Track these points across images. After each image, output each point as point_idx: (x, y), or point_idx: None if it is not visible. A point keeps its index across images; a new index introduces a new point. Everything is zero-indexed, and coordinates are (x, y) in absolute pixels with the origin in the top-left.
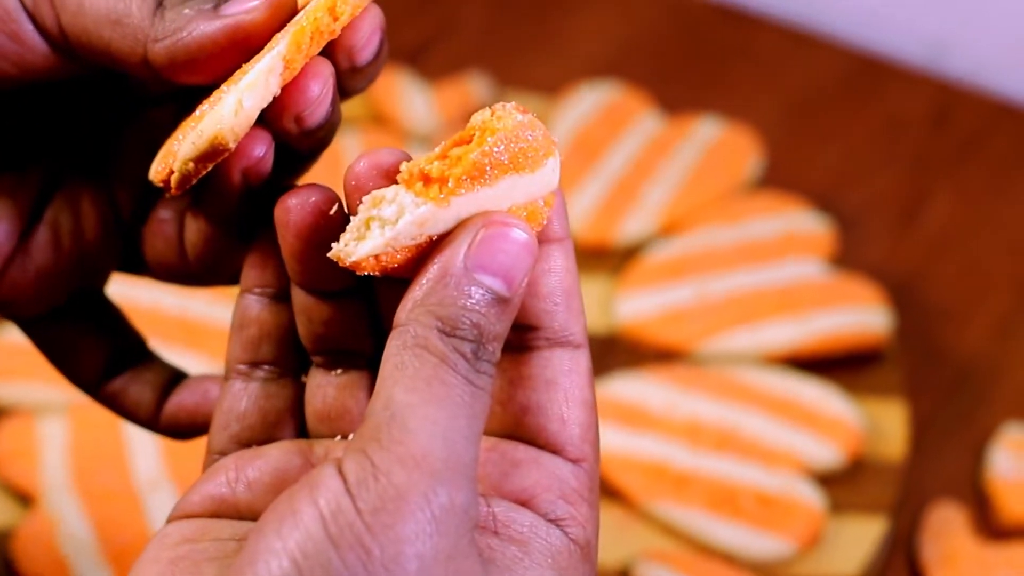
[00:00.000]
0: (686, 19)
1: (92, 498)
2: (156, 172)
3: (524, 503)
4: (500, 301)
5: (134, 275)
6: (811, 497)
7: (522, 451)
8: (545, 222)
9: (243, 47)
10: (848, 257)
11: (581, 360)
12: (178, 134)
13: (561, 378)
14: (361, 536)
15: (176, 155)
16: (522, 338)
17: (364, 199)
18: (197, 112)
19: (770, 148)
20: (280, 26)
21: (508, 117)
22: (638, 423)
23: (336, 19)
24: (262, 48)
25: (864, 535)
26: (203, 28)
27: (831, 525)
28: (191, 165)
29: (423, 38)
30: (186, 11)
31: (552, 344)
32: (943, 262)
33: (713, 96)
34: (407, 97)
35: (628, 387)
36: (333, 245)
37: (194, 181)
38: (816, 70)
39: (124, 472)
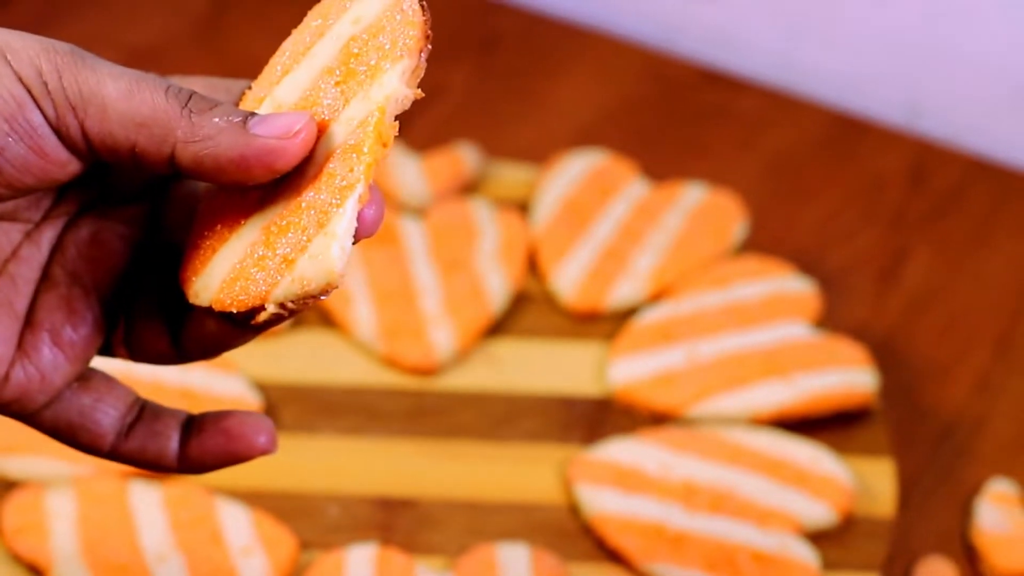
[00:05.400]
0: (667, 83)
1: (102, 570)
2: (224, 302)
3: None
4: None
5: (106, 356)
6: (806, 555)
7: None
8: None
9: (270, 168)
10: (830, 316)
11: None
12: (224, 251)
13: None
14: None
15: (265, 296)
16: None
17: None
18: (244, 235)
19: (751, 209)
20: (306, 151)
21: None
22: (634, 486)
23: (386, 146)
24: (288, 169)
25: None
26: (234, 142)
27: None
28: (290, 305)
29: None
30: (216, 119)
31: None
32: (924, 319)
33: (695, 159)
34: (399, 168)
35: (623, 451)
36: None
37: (287, 316)
38: (795, 131)
39: (132, 544)
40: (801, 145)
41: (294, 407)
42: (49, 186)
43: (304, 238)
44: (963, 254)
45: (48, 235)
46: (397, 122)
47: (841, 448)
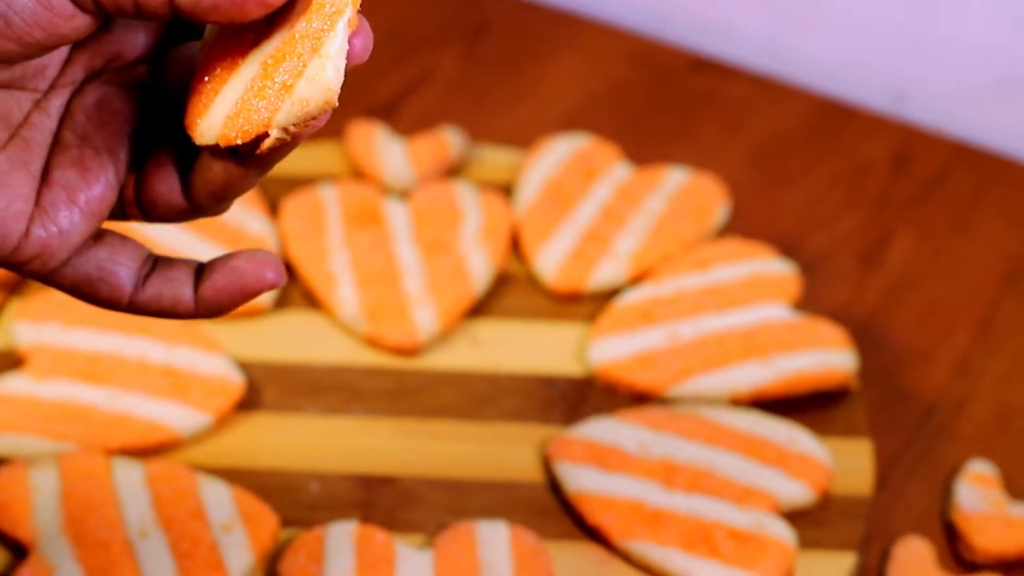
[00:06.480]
0: (654, 70)
1: (84, 545)
2: (229, 136)
3: None
4: None
5: (119, 220)
6: (783, 534)
7: None
8: None
9: (264, 2)
10: (811, 299)
11: None
12: (225, 91)
13: None
14: None
15: (268, 122)
16: None
17: None
18: (247, 67)
19: (735, 194)
20: None
21: None
22: (613, 464)
23: None
24: (281, 2)
25: (834, 571)
26: None
27: (802, 561)
28: (291, 128)
29: (396, 92)
30: None
31: None
32: (905, 302)
33: (681, 144)
34: (384, 152)
35: (603, 430)
36: None
37: (288, 140)
38: (780, 117)
39: (115, 520)
40: (786, 130)
41: (277, 386)
42: (56, 43)
43: (300, 64)
44: (945, 238)
45: (56, 103)
46: None
47: (820, 428)
